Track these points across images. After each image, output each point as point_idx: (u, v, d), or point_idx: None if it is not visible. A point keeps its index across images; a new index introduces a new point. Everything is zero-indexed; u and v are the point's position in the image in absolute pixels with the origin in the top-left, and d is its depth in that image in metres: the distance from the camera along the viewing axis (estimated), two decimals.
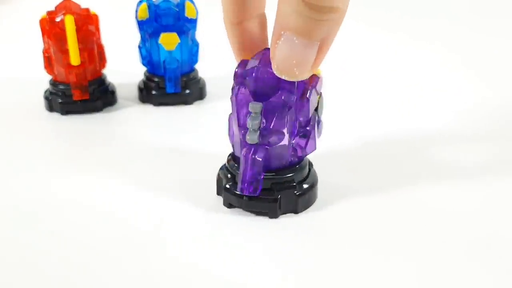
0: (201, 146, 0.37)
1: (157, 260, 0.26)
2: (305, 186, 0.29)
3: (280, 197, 0.29)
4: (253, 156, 0.28)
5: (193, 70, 0.44)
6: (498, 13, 0.67)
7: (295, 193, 0.29)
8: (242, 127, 0.28)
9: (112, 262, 0.26)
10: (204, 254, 0.27)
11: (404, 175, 0.33)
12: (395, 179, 0.33)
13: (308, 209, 0.30)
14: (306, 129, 0.29)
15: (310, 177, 0.30)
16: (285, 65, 0.25)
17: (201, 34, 0.43)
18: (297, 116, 0.28)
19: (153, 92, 0.43)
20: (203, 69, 0.45)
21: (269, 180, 0.29)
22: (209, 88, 0.45)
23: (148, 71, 0.44)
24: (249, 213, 0.29)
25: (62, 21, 0.39)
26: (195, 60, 0.43)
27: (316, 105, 0.29)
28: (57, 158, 0.36)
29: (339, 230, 0.28)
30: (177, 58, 0.42)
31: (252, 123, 0.27)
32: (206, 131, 0.39)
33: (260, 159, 0.27)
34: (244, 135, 0.28)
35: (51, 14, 0.39)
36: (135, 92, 0.44)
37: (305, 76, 0.25)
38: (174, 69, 0.42)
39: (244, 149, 0.28)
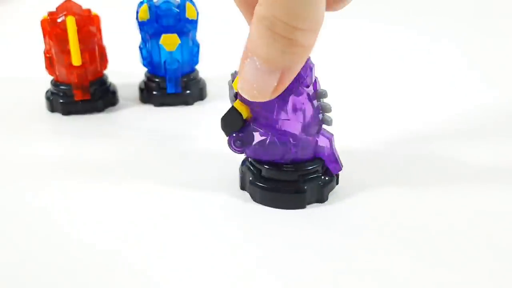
0: (201, 146, 0.37)
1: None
2: (327, 177, 0.31)
3: (306, 188, 0.30)
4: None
5: (193, 70, 0.44)
6: (503, 12, 0.67)
7: (320, 184, 0.30)
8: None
9: (118, 263, 0.26)
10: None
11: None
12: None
13: (331, 200, 0.31)
14: None
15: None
16: (247, 86, 0.26)
17: (201, 35, 0.43)
18: None
19: (154, 93, 0.43)
20: (203, 69, 0.45)
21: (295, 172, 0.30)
22: (209, 89, 0.45)
23: (148, 71, 0.44)
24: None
25: (64, 22, 0.39)
26: (195, 61, 0.43)
27: None
28: (58, 158, 0.36)
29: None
30: (177, 58, 0.42)
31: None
32: (207, 132, 0.39)
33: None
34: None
35: (52, 15, 0.39)
36: (136, 93, 0.45)
37: (266, 98, 0.26)
38: (174, 69, 0.42)
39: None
